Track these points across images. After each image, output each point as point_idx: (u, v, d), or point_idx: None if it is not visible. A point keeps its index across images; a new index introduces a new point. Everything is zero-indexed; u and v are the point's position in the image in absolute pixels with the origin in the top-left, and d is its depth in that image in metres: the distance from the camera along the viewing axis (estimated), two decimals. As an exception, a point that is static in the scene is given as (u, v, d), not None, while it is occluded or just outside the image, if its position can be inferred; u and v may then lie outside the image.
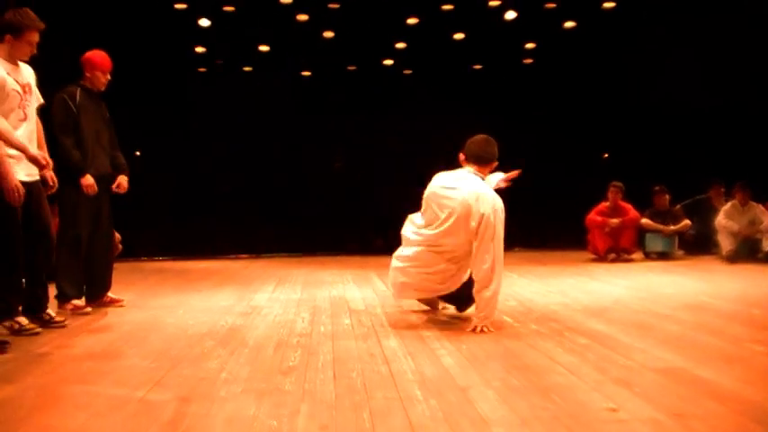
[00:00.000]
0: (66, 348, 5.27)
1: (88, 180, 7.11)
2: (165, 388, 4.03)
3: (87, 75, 7.39)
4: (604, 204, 13.03)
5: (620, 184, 13.05)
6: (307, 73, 17.85)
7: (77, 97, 7.24)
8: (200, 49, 16.36)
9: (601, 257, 12.64)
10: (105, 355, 4.97)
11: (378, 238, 16.76)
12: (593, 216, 12.99)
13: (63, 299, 7.17)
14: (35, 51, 6.11)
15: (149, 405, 3.71)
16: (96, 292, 7.52)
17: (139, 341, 5.51)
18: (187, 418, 3.49)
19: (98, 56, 7.46)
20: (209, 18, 14.95)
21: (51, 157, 6.42)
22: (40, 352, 5.08)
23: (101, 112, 7.58)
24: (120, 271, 7.74)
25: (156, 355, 4.95)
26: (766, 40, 13.13)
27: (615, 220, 12.74)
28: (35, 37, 6.06)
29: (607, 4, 14.66)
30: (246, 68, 17.33)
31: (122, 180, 7.65)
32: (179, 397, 3.81)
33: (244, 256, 15.77)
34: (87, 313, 7.06)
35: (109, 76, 7.51)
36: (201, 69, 17.18)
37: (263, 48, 16.39)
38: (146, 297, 8.42)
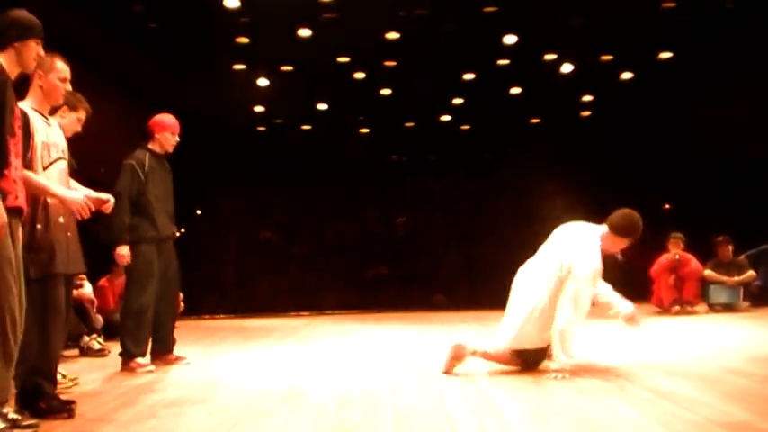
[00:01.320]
0: (131, 406, 5.31)
1: (122, 250, 7.17)
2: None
3: (156, 136, 7.53)
4: (666, 257, 12.89)
5: (680, 234, 12.94)
6: (365, 130, 17.97)
7: (146, 163, 7.35)
8: (258, 109, 16.56)
9: (665, 310, 12.50)
10: (169, 413, 5.00)
11: (438, 295, 16.73)
12: (657, 269, 12.87)
13: (127, 356, 7.23)
14: (79, 130, 6.22)
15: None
16: (161, 350, 7.59)
17: (202, 398, 5.54)
18: (250, 475, 3.49)
19: (167, 118, 7.64)
20: (267, 78, 15.16)
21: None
22: (106, 409, 5.13)
23: (167, 174, 7.70)
24: (182, 329, 7.80)
25: (218, 412, 4.97)
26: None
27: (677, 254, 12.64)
28: (83, 116, 6.18)
29: (663, 55, 14.63)
30: (305, 127, 17.50)
31: None
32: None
33: (304, 313, 15.80)
34: (152, 371, 7.11)
35: (178, 138, 7.65)
36: (261, 128, 17.38)
37: (322, 106, 16.55)
38: (208, 354, 8.48)
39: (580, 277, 5.92)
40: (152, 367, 7.25)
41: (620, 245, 6.22)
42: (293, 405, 5.13)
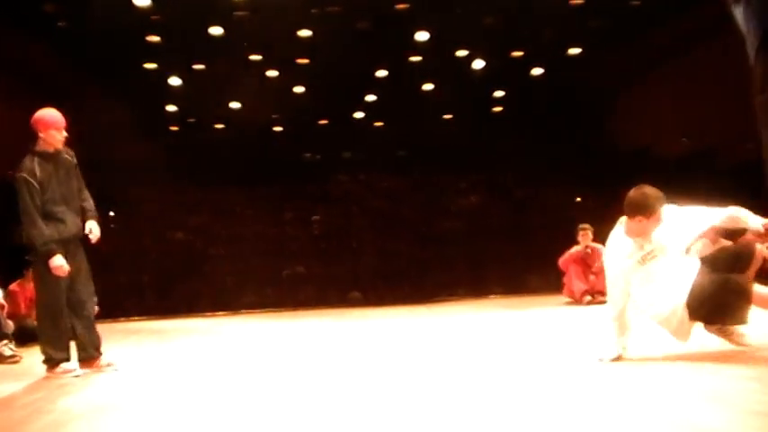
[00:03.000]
0: (44, 414, 5.22)
1: (56, 262, 6.94)
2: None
3: (41, 135, 7.14)
4: (577, 249, 13.06)
5: (587, 225, 13.07)
6: (278, 128, 17.92)
7: (37, 171, 7.03)
8: (171, 108, 16.41)
9: (576, 301, 12.70)
10: (84, 420, 4.93)
11: (354, 291, 16.76)
12: (567, 259, 13.04)
13: (50, 363, 7.09)
14: None
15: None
16: (86, 357, 7.41)
17: (118, 404, 5.47)
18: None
19: (49, 114, 7.23)
20: (179, 77, 15.03)
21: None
22: (18, 418, 5.04)
23: (64, 168, 7.30)
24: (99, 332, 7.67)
25: (134, 417, 4.92)
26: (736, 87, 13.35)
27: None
28: None
29: (573, 51, 14.87)
30: (218, 126, 17.38)
31: (93, 226, 7.42)
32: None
33: (222, 313, 15.69)
34: (78, 375, 6.99)
35: (65, 133, 7.26)
36: (174, 128, 17.21)
37: (235, 105, 16.46)
38: (125, 358, 8.36)
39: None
40: (80, 372, 7.09)
41: (640, 225, 5.88)
42: (211, 406, 5.10)
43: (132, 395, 5.76)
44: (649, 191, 5.98)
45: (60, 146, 7.30)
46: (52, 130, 7.19)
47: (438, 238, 16.81)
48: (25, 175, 7.01)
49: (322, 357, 7.54)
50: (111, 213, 16.28)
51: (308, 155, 18.19)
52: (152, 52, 13.97)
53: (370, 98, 16.89)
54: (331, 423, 4.27)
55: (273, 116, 17.64)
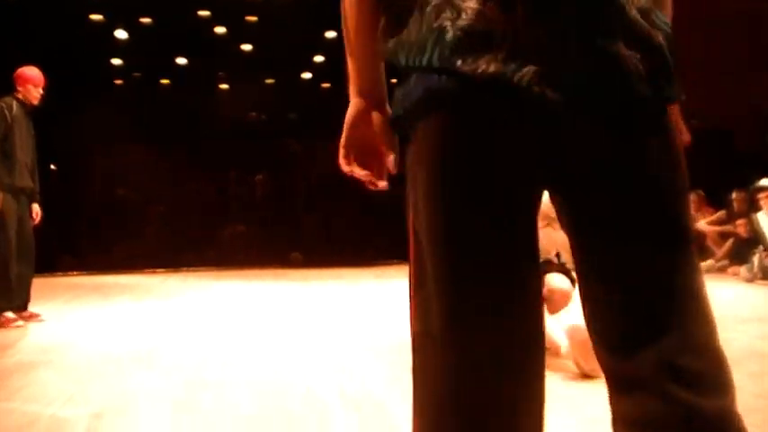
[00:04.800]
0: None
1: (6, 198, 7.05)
2: (78, 404, 3.98)
3: (20, 89, 7.40)
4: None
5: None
6: (225, 86, 17.76)
7: (14, 108, 7.25)
8: (116, 61, 16.18)
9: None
10: (18, 371, 4.89)
11: (295, 252, 16.68)
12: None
13: None
14: None
15: (61, 421, 3.66)
16: (16, 307, 7.36)
17: (53, 357, 5.43)
18: (99, 435, 3.46)
19: (30, 70, 7.53)
20: (125, 30, 14.82)
21: None
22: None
23: (30, 128, 7.56)
24: (35, 286, 7.60)
25: (69, 371, 4.88)
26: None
27: None
28: None
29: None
30: (164, 81, 17.18)
31: (35, 208, 7.62)
32: (92, 414, 3.77)
33: (161, 270, 15.54)
34: (20, 326, 6.95)
35: (42, 91, 7.55)
36: (118, 82, 16.98)
37: (181, 60, 16.28)
38: (61, 312, 8.29)
39: None
40: (20, 323, 7.08)
41: None
42: (147, 364, 5.08)
43: (62, 353, 5.71)
44: None
45: (36, 102, 7.56)
46: (30, 85, 7.48)
47: (382, 203, 16.75)
48: (3, 105, 7.23)
49: (256, 325, 7.55)
50: (53, 167, 16.07)
51: (254, 114, 18.05)
52: (98, 4, 13.75)
53: (319, 59, 16.80)
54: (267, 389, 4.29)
55: (220, 73, 17.48)
